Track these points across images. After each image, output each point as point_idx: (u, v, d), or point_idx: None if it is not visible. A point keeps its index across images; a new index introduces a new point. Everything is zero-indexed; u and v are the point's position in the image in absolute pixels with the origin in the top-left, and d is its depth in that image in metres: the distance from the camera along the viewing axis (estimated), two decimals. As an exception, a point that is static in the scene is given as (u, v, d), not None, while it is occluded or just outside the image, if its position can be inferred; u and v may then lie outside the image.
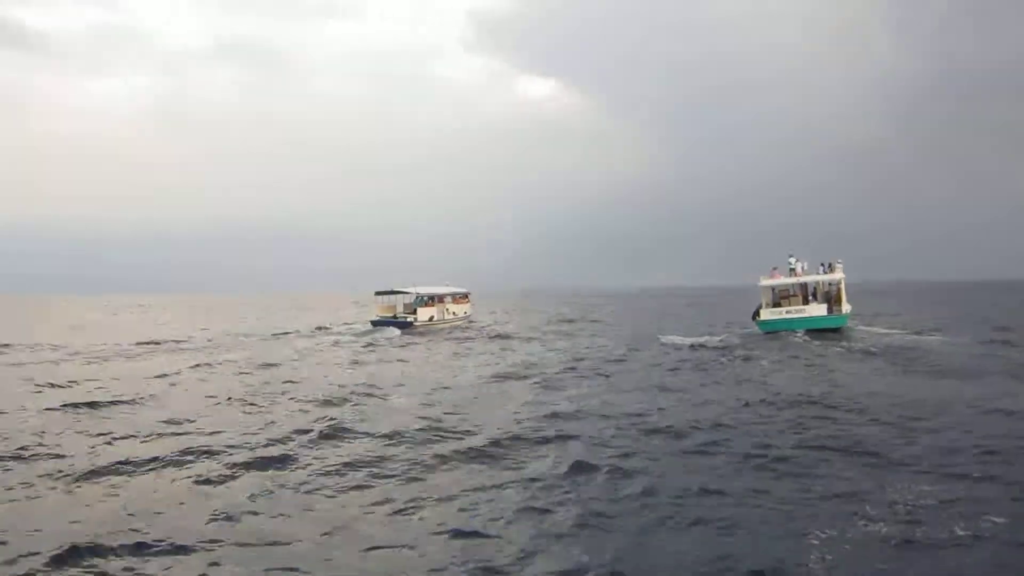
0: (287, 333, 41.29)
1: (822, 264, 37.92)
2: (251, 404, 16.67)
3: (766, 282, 37.33)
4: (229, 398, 17.42)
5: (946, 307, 64.24)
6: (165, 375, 22.28)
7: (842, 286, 36.85)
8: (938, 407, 14.99)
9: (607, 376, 21.61)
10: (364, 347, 32.86)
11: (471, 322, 49.31)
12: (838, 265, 37.75)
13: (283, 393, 18.39)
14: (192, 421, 14.57)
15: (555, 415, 15.03)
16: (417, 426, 13.81)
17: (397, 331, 40.34)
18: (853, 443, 11.82)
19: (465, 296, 50.64)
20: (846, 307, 36.54)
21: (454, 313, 47.30)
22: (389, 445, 12.36)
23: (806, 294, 37.19)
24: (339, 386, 19.50)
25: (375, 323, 42.82)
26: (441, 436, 13.06)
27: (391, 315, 43.51)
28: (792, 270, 37.36)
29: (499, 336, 38.88)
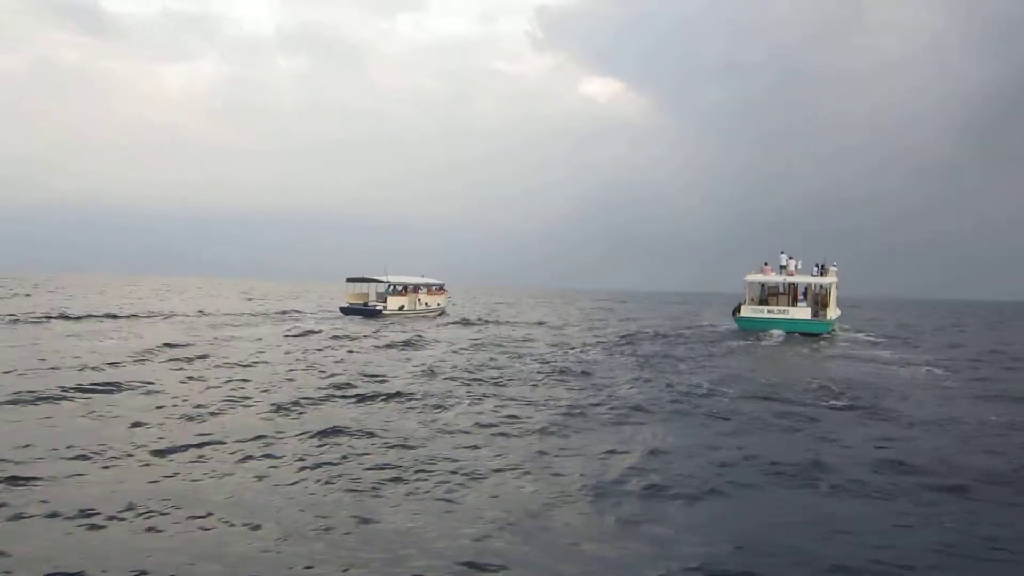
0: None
1: (816, 265, 35.36)
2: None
3: (753, 278, 35.21)
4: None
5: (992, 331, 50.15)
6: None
7: (832, 290, 34.48)
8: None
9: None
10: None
11: (445, 315, 47.67)
12: (832, 268, 35.17)
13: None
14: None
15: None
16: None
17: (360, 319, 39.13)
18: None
19: (441, 288, 50.20)
20: (833, 313, 34.36)
21: (427, 304, 46.42)
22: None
23: (795, 294, 35.04)
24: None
25: (344, 310, 41.96)
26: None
27: (362, 303, 42.52)
28: (783, 267, 35.24)
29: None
